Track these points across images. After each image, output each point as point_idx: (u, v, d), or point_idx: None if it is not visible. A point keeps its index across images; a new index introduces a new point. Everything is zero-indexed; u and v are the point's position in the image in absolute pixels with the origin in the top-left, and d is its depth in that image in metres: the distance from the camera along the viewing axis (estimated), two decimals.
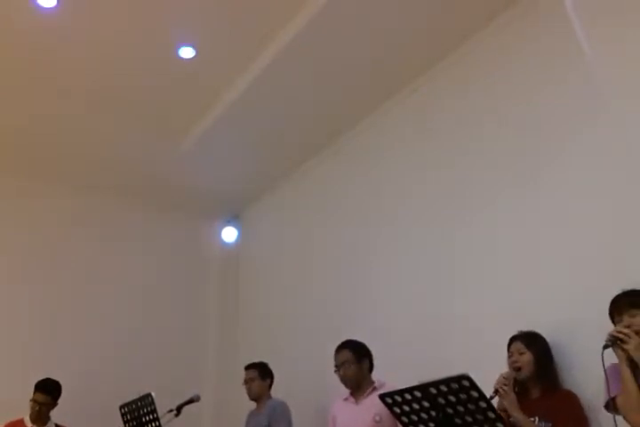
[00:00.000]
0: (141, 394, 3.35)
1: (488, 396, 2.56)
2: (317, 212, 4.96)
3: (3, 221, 4.98)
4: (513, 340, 2.90)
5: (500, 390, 2.66)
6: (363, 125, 4.63)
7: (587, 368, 2.72)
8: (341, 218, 4.70)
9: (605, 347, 2.35)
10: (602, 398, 2.41)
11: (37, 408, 4.01)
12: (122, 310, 5.17)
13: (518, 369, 2.78)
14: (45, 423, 4.09)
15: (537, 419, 2.67)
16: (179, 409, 3.78)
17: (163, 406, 3.51)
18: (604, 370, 2.28)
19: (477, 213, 3.58)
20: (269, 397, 4.23)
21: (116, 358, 4.96)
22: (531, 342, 2.85)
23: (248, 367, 4.32)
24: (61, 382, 4.17)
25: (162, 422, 3.34)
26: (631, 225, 2.77)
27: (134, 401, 3.40)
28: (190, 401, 3.86)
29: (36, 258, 5.02)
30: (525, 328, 2.93)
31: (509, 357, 2.86)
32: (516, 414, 2.63)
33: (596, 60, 2.79)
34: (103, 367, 4.87)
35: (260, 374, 4.25)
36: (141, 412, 3.36)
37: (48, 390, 4.06)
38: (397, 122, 4.34)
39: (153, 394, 3.31)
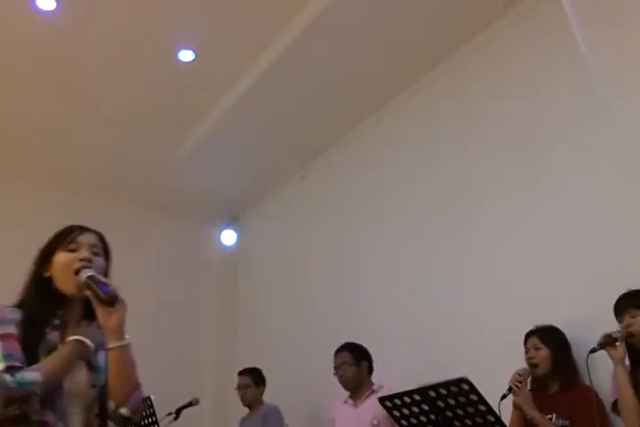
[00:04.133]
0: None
1: (501, 394, 2.55)
2: (317, 214, 4.96)
3: (2, 222, 4.98)
4: (529, 335, 2.83)
5: (514, 387, 2.59)
6: (361, 128, 4.62)
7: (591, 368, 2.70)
8: (341, 220, 4.69)
9: (592, 351, 2.36)
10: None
11: None
12: None
13: (535, 366, 2.72)
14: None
15: (554, 416, 2.61)
16: (178, 412, 3.78)
17: (162, 409, 3.50)
18: (588, 373, 2.28)
19: (478, 214, 3.58)
20: (262, 402, 4.23)
21: None
22: (547, 336, 2.77)
23: (242, 373, 4.31)
24: None
25: (161, 425, 3.34)
26: (632, 224, 2.77)
27: None
28: (189, 404, 3.86)
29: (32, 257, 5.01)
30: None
31: (526, 352, 2.79)
32: (532, 413, 2.56)
33: (595, 61, 2.78)
34: None
35: (255, 380, 4.25)
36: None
37: None
38: (397, 124, 4.33)
39: (152, 397, 3.31)
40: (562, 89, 3.22)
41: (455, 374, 2.28)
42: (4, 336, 1.51)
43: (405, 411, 2.41)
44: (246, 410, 4.29)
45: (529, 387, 2.73)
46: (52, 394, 1.49)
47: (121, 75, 4.14)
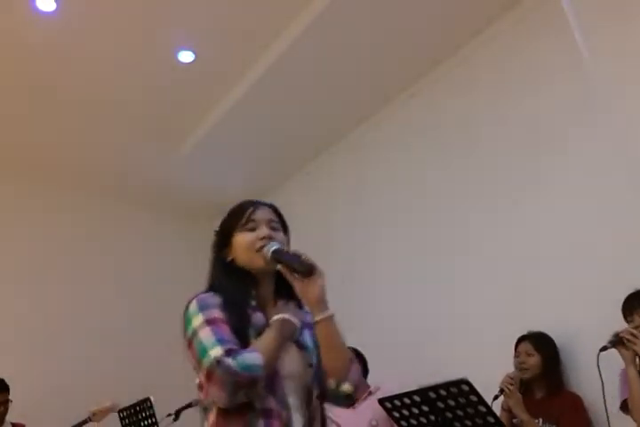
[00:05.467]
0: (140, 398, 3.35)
1: (493, 395, 2.57)
2: (316, 215, 4.95)
3: (4, 221, 4.98)
4: (521, 340, 2.87)
5: (506, 389, 2.64)
6: (362, 129, 4.63)
7: (587, 370, 2.70)
8: (341, 220, 4.69)
9: (603, 349, 2.36)
10: (608, 401, 2.39)
11: (2, 409, 3.81)
12: (120, 315, 5.15)
13: (525, 370, 2.76)
14: (2, 424, 3.92)
15: (540, 421, 2.66)
16: (177, 414, 3.76)
17: (161, 410, 3.50)
18: (599, 372, 2.28)
19: (477, 215, 3.58)
20: None
21: (115, 362, 4.94)
22: (540, 343, 2.82)
23: None
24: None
25: (160, 426, 3.33)
26: (631, 227, 2.76)
27: (133, 405, 3.39)
28: (189, 406, 3.85)
29: (35, 260, 5.01)
30: (524, 330, 2.91)
31: (516, 357, 2.83)
32: (522, 415, 2.62)
33: (595, 61, 2.79)
34: (102, 371, 4.85)
35: None
36: (140, 416, 3.35)
37: (5, 388, 3.86)
38: (397, 125, 4.33)
39: (152, 398, 3.30)
40: (562, 89, 3.22)
41: (455, 375, 2.28)
42: (212, 321, 1.39)
43: (405, 412, 2.40)
44: None
45: None
46: (270, 379, 1.36)
47: (121, 75, 4.14)
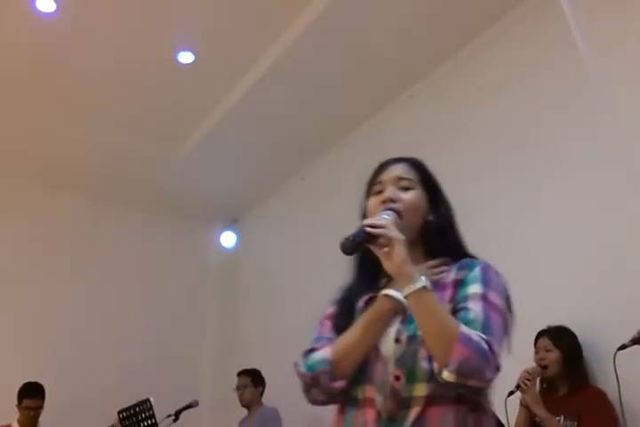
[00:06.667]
0: (140, 399, 3.35)
1: (509, 391, 2.54)
2: (317, 215, 4.95)
3: (6, 224, 4.98)
4: (540, 335, 2.77)
5: (522, 384, 2.57)
6: (361, 129, 4.63)
7: (603, 367, 2.67)
8: (341, 222, 4.67)
9: (622, 348, 2.31)
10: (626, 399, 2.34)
11: (32, 414, 3.92)
12: (120, 316, 5.15)
13: (544, 367, 2.68)
14: None
15: (562, 418, 2.58)
16: (177, 414, 3.78)
17: (161, 411, 3.50)
18: (615, 370, 2.24)
19: (478, 214, 3.57)
20: (261, 404, 4.24)
21: (115, 364, 4.95)
22: (559, 338, 2.72)
23: (241, 374, 4.32)
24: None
25: (160, 426, 3.33)
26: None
27: (133, 406, 3.40)
28: (189, 406, 3.86)
29: (35, 261, 5.01)
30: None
31: (536, 353, 2.74)
32: (539, 412, 2.54)
33: (595, 61, 2.79)
34: (102, 373, 4.85)
35: (253, 381, 4.26)
36: (140, 417, 3.35)
37: (40, 394, 3.96)
38: (397, 126, 4.32)
39: (152, 399, 3.31)
40: (562, 88, 3.22)
41: None
42: (322, 319, 1.41)
43: None
44: (245, 412, 4.29)
45: (538, 388, 2.70)
46: (369, 364, 1.27)
47: (121, 76, 4.14)
